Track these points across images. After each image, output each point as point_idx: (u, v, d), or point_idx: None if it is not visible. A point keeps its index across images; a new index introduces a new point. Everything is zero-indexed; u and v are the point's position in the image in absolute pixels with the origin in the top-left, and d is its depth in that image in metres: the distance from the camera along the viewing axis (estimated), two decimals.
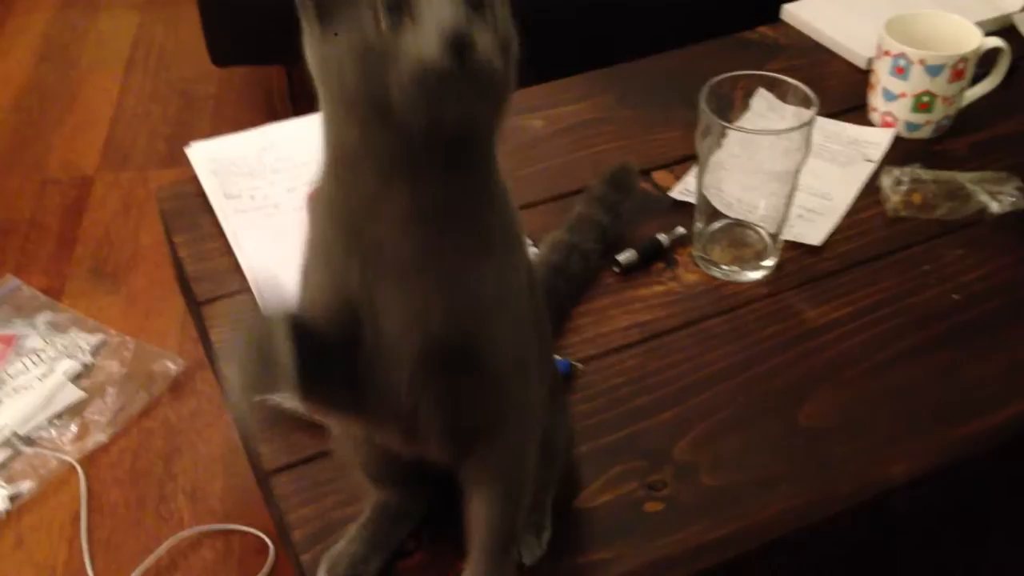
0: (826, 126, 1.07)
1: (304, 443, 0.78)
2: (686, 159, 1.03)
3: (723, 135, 0.84)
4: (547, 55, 1.52)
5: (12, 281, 1.50)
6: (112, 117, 1.91)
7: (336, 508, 0.73)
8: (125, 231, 1.63)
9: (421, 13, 0.44)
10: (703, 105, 0.84)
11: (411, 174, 0.49)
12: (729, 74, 0.87)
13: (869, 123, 1.09)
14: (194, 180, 1.05)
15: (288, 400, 0.80)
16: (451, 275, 0.52)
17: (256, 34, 1.68)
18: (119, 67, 2.04)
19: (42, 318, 1.42)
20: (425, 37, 0.44)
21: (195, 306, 0.95)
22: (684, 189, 1.00)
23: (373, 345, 0.53)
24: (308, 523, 0.72)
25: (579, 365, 0.83)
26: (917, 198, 0.96)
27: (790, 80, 0.87)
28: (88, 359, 1.35)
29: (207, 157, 1.06)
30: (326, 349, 0.53)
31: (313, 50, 0.48)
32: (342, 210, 0.52)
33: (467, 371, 0.55)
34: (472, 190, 0.52)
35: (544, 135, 1.12)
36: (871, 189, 1.00)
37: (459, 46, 0.43)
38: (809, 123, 0.83)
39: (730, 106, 0.89)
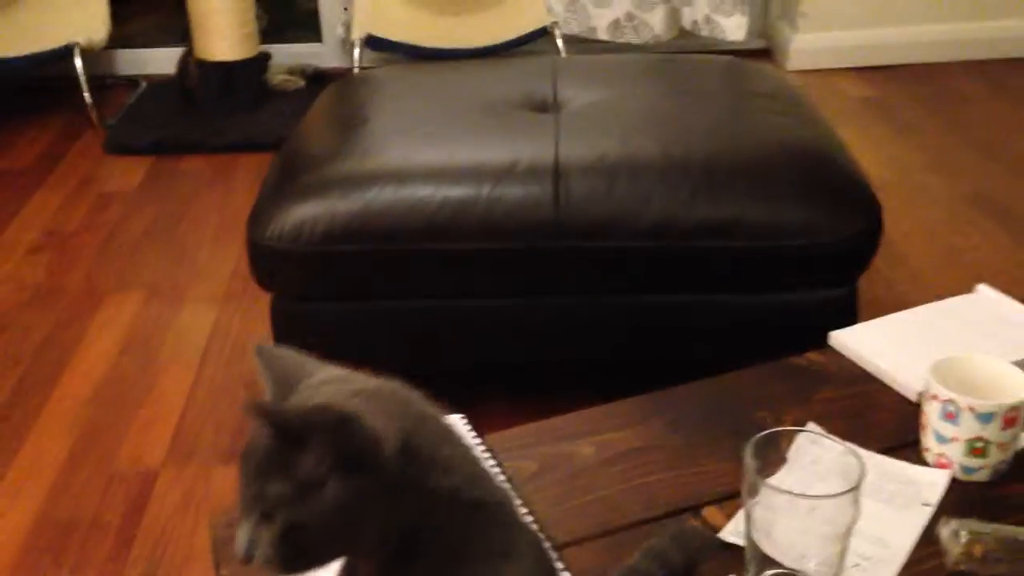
0: (879, 464, 1.06)
1: None
2: (736, 495, 1.03)
3: (767, 493, 0.84)
4: (596, 376, 1.56)
5: None
6: (183, 410, 1.98)
7: None
8: (182, 530, 1.65)
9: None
10: (748, 463, 0.85)
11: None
12: (774, 431, 0.88)
13: (923, 460, 1.08)
14: None
15: None
16: None
17: (321, 338, 1.77)
18: (195, 359, 2.14)
19: None
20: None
21: None
22: (735, 529, 0.99)
23: None
24: None
25: None
26: (978, 551, 0.93)
27: (836, 442, 0.88)
28: None
29: None
30: None
31: None
32: None
33: None
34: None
35: (594, 463, 1.12)
36: (929, 537, 0.97)
37: (247, 558, 0.61)
38: (857, 487, 0.83)
39: (776, 454, 0.89)
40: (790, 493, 0.83)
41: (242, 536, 0.60)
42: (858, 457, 0.85)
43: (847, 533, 0.85)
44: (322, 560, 0.61)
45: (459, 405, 1.08)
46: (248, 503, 0.60)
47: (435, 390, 0.71)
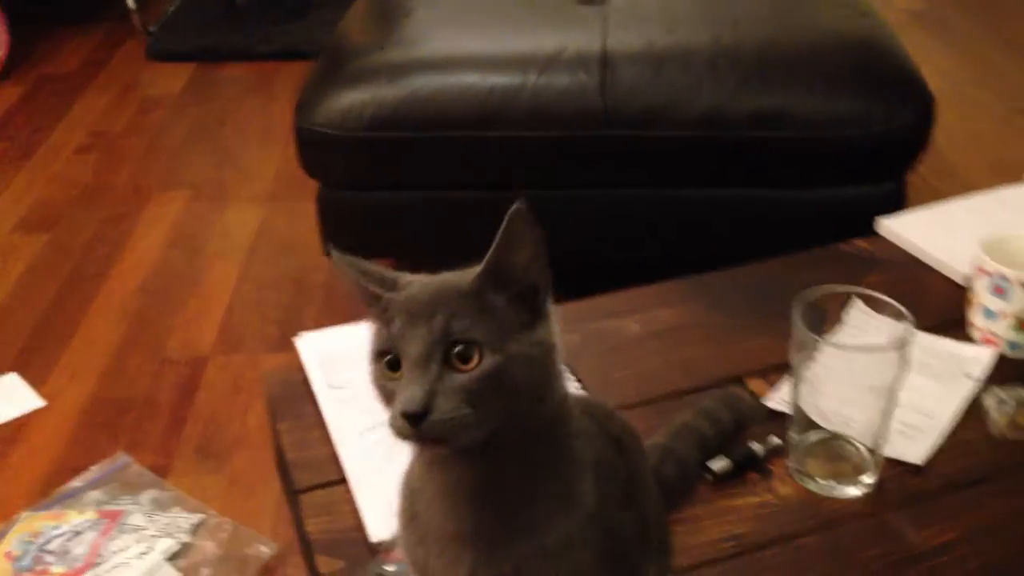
0: (925, 341, 1.06)
1: None
2: (780, 368, 1.04)
3: (818, 349, 0.85)
4: (643, 261, 1.57)
5: (123, 458, 1.56)
6: (230, 302, 2.02)
7: None
8: (233, 412, 1.70)
9: (401, 381, 0.56)
10: (797, 319, 0.86)
11: (442, 462, 0.59)
12: (823, 287, 0.89)
13: (969, 339, 1.08)
14: (301, 368, 1.10)
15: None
16: (490, 549, 0.58)
17: (367, 229, 1.78)
18: (241, 255, 2.18)
19: (147, 496, 1.46)
20: (396, 405, 0.55)
21: (292, 494, 0.97)
22: (779, 398, 1.00)
23: None
24: None
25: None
26: (1023, 420, 0.94)
27: (885, 298, 0.88)
28: (186, 539, 1.38)
29: (315, 347, 1.12)
30: None
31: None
32: (405, 487, 0.63)
33: None
34: (508, 472, 0.58)
35: (639, 338, 1.14)
36: (974, 408, 0.98)
37: (415, 419, 0.54)
38: (906, 340, 0.83)
39: (824, 319, 0.90)
40: (842, 346, 0.84)
41: (416, 389, 0.53)
42: (907, 315, 0.85)
43: (893, 393, 0.86)
44: (496, 419, 0.55)
45: None
46: (426, 349, 0.54)
47: None
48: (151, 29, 3.32)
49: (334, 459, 0.97)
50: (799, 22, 1.70)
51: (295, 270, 2.11)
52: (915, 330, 0.84)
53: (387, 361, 0.56)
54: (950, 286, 1.18)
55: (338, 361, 1.09)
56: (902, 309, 0.86)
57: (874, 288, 0.90)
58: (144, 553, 1.34)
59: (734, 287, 1.22)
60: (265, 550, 1.36)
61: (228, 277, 2.10)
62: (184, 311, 2.00)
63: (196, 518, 1.41)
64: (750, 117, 1.55)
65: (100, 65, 3.14)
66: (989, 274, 1.03)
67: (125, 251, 2.21)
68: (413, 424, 0.53)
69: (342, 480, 0.95)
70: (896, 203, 1.61)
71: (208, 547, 1.37)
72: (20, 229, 2.30)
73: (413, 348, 0.55)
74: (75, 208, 2.38)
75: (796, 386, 0.89)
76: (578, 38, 1.64)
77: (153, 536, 1.37)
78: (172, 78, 3.07)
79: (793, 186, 1.64)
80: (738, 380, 1.04)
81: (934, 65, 2.85)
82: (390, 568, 0.83)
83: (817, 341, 0.84)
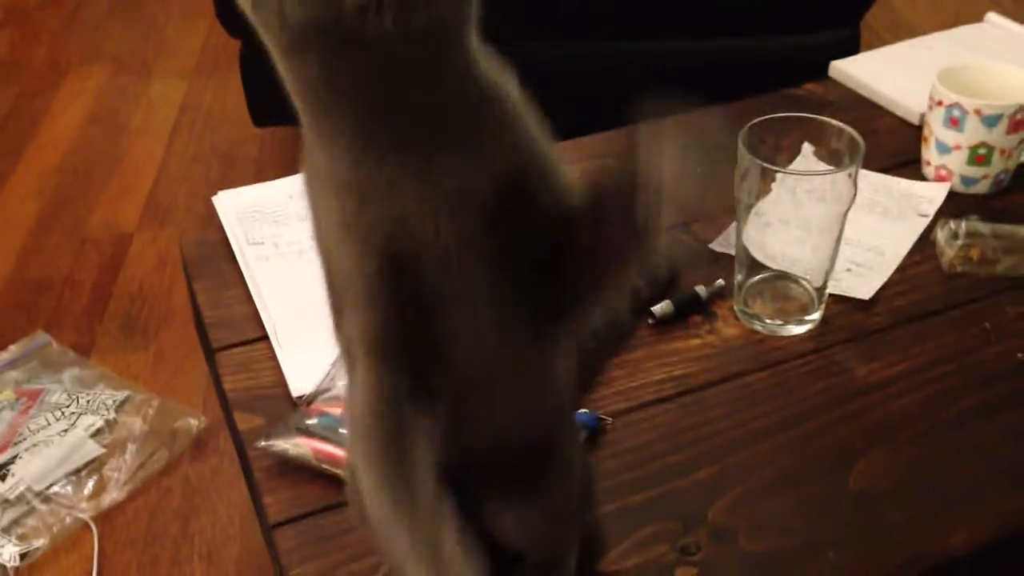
0: (876, 180, 1.02)
1: (311, 496, 0.73)
2: (728, 212, 0.99)
3: (763, 180, 0.79)
4: (590, 111, 1.49)
5: (42, 337, 1.49)
6: (155, 178, 1.92)
7: (341, 566, 0.68)
8: (159, 288, 1.62)
9: None
10: (742, 146, 0.80)
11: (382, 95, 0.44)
12: (770, 116, 0.83)
13: (922, 178, 1.03)
14: (220, 229, 1.03)
15: (296, 448, 0.76)
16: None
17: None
18: (165, 131, 2.06)
19: (69, 374, 1.39)
20: None
21: (210, 353, 0.91)
22: (724, 241, 0.96)
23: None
24: None
25: (608, 419, 0.77)
26: (975, 252, 0.90)
27: (834, 122, 0.82)
28: (111, 415, 1.32)
29: (233, 205, 1.05)
30: None
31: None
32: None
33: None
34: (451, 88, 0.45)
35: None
36: (925, 243, 0.94)
37: None
38: (854, 164, 0.78)
39: (772, 157, 0.84)
40: (788, 171, 0.79)
41: None
42: (856, 138, 0.80)
43: (840, 224, 0.82)
44: None
45: None
46: None
47: None
48: None
49: (254, 317, 0.91)
50: None
51: (224, 145, 2.01)
52: (863, 153, 0.79)
53: None
54: (905, 128, 1.13)
55: (258, 218, 1.03)
56: (852, 133, 0.81)
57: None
58: (66, 431, 1.28)
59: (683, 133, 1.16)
60: (194, 423, 1.30)
61: (153, 153, 1.99)
62: (106, 189, 1.89)
63: (121, 395, 1.35)
64: None
65: None
66: (944, 104, 0.98)
67: (42, 128, 2.08)
68: None
69: (263, 337, 0.89)
70: (850, 52, 1.55)
71: (134, 423, 1.31)
72: None
73: None
74: None
75: (740, 221, 0.84)
76: None
77: (75, 414, 1.31)
78: None
79: (748, 33, 1.56)
80: (685, 225, 0.99)
81: None
82: (312, 421, 0.78)
83: (761, 167, 0.79)
